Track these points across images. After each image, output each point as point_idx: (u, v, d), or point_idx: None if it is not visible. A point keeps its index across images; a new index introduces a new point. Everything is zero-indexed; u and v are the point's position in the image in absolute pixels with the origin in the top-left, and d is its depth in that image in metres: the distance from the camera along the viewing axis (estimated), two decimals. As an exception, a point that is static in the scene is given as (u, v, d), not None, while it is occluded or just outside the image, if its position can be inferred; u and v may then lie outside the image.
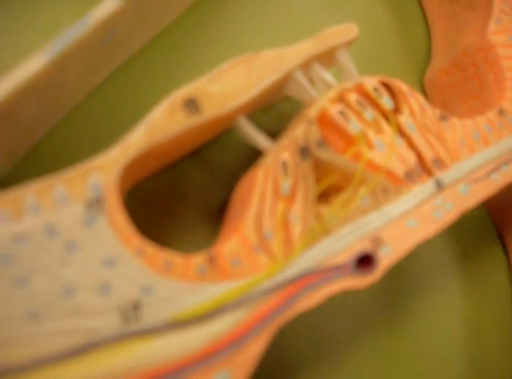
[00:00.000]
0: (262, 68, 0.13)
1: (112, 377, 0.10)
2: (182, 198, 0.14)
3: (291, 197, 0.12)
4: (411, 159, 0.13)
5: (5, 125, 0.12)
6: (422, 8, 0.18)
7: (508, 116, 0.15)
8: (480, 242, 0.18)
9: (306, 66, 0.13)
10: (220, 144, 0.15)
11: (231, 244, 0.12)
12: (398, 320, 0.16)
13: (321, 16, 0.17)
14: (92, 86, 0.15)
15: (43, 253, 0.10)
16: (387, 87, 0.14)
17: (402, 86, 0.14)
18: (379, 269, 0.12)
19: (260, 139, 0.13)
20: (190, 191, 0.14)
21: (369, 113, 0.13)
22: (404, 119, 0.14)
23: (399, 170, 0.13)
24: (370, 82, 0.14)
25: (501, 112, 0.15)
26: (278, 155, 0.12)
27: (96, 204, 0.11)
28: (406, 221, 0.13)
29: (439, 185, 0.13)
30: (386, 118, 0.13)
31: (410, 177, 0.13)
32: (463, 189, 0.14)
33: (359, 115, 0.13)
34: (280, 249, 0.12)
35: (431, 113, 0.14)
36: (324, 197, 0.13)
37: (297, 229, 0.12)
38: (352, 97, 0.13)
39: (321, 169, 0.13)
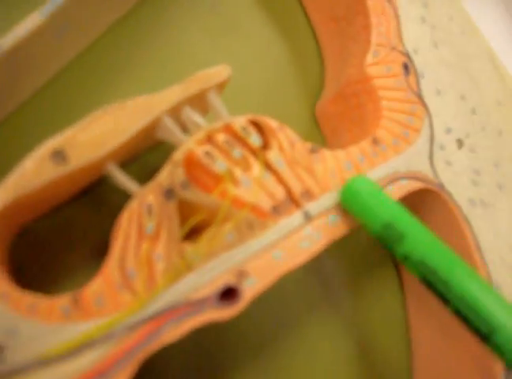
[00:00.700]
0: (130, 115, 0.14)
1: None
2: (73, 237, 0.15)
3: (155, 237, 0.13)
4: (279, 192, 0.14)
5: None
6: (316, 40, 0.19)
7: (381, 144, 0.16)
8: (371, 264, 0.18)
9: (176, 110, 0.14)
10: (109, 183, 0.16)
11: (95, 284, 0.12)
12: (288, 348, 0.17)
13: (214, 53, 0.18)
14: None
15: None
16: (256, 125, 0.15)
17: (271, 123, 0.15)
18: (244, 300, 0.13)
19: (129, 184, 0.13)
20: (78, 229, 0.15)
21: (237, 151, 0.14)
22: (272, 155, 0.14)
23: (266, 204, 0.14)
24: (239, 121, 0.14)
25: (375, 141, 0.16)
26: (143, 198, 0.13)
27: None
28: (272, 253, 0.14)
29: (307, 216, 0.14)
30: (255, 155, 0.14)
31: (277, 210, 0.14)
32: (332, 218, 0.14)
33: (226, 154, 0.14)
34: (143, 286, 0.13)
35: (302, 146, 0.15)
36: (196, 234, 0.14)
37: (160, 266, 0.13)
38: (220, 137, 0.14)
39: (188, 208, 0.14)
